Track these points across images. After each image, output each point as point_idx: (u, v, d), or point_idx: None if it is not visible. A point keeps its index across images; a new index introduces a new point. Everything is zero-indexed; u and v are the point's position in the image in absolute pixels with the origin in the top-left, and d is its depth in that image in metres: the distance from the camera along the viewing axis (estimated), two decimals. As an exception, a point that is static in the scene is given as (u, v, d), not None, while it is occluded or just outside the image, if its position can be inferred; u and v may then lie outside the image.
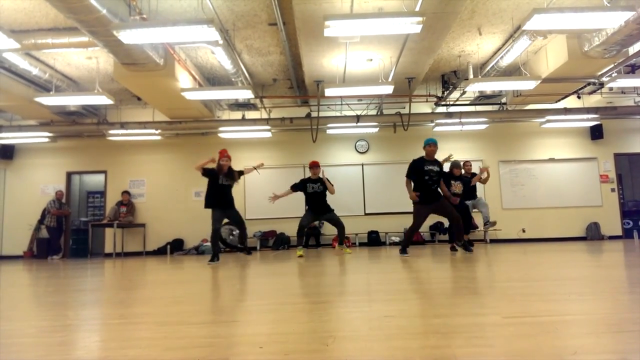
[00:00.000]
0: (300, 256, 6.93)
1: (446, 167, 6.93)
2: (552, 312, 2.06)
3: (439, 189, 6.46)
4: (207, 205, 6.69)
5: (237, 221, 7.01)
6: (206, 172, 6.64)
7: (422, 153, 6.45)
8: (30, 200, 10.95)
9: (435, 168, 6.32)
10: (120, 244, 10.64)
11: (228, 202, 6.76)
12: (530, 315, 2.00)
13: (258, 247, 10.51)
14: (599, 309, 2.13)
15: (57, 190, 10.74)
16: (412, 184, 6.43)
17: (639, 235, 10.62)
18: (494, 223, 8.24)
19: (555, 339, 1.55)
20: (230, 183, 6.78)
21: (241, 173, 7.09)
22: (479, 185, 8.19)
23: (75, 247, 11.37)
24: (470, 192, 7.98)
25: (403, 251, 6.47)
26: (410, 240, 6.70)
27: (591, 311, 2.08)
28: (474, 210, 8.12)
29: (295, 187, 7.39)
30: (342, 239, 7.45)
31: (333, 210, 7.38)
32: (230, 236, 10.31)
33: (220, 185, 6.67)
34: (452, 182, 7.22)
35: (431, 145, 6.33)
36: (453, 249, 7.01)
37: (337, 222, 7.31)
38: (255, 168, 7.31)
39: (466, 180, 7.65)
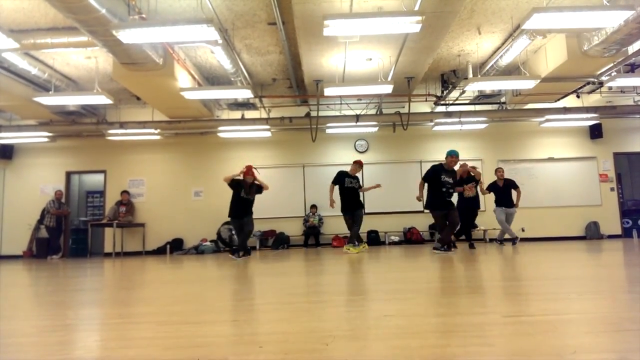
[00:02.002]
0: (358, 252, 7.35)
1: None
2: (551, 311, 2.06)
3: (452, 199, 6.80)
4: (229, 215, 7.33)
5: (247, 225, 7.37)
6: (234, 184, 7.24)
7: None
8: (30, 200, 10.94)
9: (451, 180, 6.69)
10: (120, 243, 10.64)
11: (246, 212, 7.31)
12: (529, 314, 2.00)
13: (257, 247, 10.51)
14: (598, 308, 2.13)
15: (56, 190, 10.72)
16: (426, 186, 6.79)
17: (638, 235, 10.63)
18: (502, 244, 8.56)
19: (554, 338, 1.55)
20: (250, 197, 7.33)
21: (260, 191, 7.51)
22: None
23: (74, 247, 11.36)
24: (506, 198, 8.41)
25: (447, 248, 6.67)
26: (446, 238, 6.80)
27: (590, 310, 2.09)
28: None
29: (335, 182, 7.60)
30: (351, 239, 7.63)
31: (363, 208, 7.70)
32: (229, 235, 10.32)
33: (242, 198, 7.26)
34: (465, 185, 7.70)
35: (453, 157, 6.72)
36: (472, 246, 7.59)
37: (356, 221, 7.52)
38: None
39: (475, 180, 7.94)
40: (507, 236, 8.60)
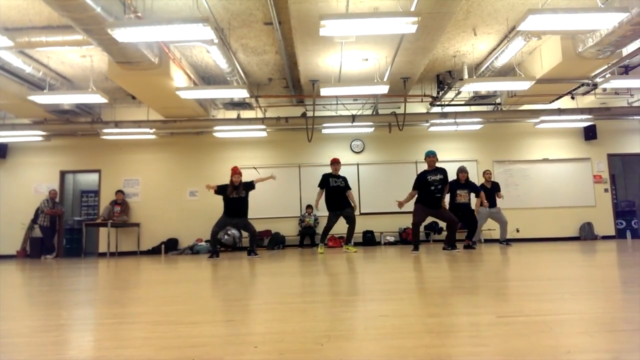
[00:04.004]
0: (322, 253, 7.37)
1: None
2: (546, 311, 2.07)
3: (442, 198, 6.97)
4: (225, 213, 7.42)
5: (244, 228, 7.65)
6: (218, 191, 7.43)
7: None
8: (24, 199, 10.87)
9: (438, 177, 6.84)
10: (114, 243, 10.60)
11: (237, 212, 7.41)
12: (524, 314, 2.01)
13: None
14: (593, 308, 2.14)
15: (50, 189, 10.67)
16: (416, 196, 7.00)
17: (631, 235, 10.69)
18: (509, 244, 8.48)
19: (549, 338, 1.56)
20: (239, 196, 7.39)
21: (251, 185, 7.60)
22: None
23: (68, 247, 11.31)
24: (492, 199, 8.46)
25: (415, 249, 6.84)
26: (416, 237, 7.00)
27: (585, 310, 2.09)
28: (489, 219, 8.53)
29: (321, 186, 7.72)
30: (350, 238, 7.80)
31: (352, 207, 7.76)
32: (225, 236, 10.29)
33: (230, 199, 7.37)
34: (458, 191, 7.67)
35: (430, 157, 6.95)
36: (468, 246, 7.54)
37: (352, 220, 7.66)
38: (265, 179, 7.78)
39: (473, 185, 7.99)
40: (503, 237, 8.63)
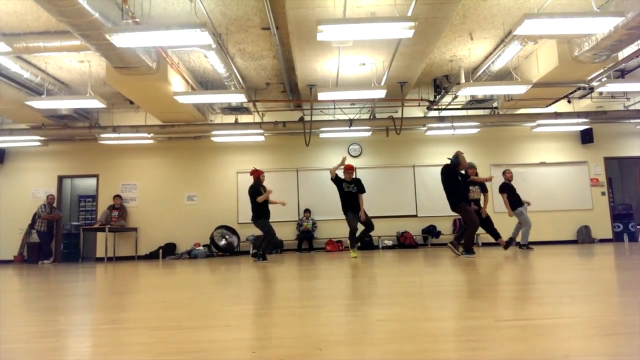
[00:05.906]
0: (355, 257, 7.33)
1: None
2: (544, 315, 2.07)
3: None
4: (266, 217, 7.62)
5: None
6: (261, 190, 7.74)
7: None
8: (21, 204, 10.84)
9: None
10: (112, 248, 10.57)
11: None
12: (522, 318, 2.01)
13: (251, 251, 10.46)
14: (590, 312, 2.15)
15: (48, 194, 10.64)
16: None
17: (629, 239, 10.71)
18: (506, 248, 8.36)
19: (547, 342, 1.56)
20: None
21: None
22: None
23: (66, 252, 11.26)
24: (518, 199, 8.24)
25: (469, 251, 6.59)
26: (473, 239, 6.87)
27: (582, 314, 2.10)
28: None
29: (336, 179, 7.78)
30: (360, 240, 7.97)
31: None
32: (222, 240, 10.28)
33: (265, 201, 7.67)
34: (471, 187, 7.68)
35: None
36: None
37: (369, 223, 7.73)
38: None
39: (483, 184, 7.94)
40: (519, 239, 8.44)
